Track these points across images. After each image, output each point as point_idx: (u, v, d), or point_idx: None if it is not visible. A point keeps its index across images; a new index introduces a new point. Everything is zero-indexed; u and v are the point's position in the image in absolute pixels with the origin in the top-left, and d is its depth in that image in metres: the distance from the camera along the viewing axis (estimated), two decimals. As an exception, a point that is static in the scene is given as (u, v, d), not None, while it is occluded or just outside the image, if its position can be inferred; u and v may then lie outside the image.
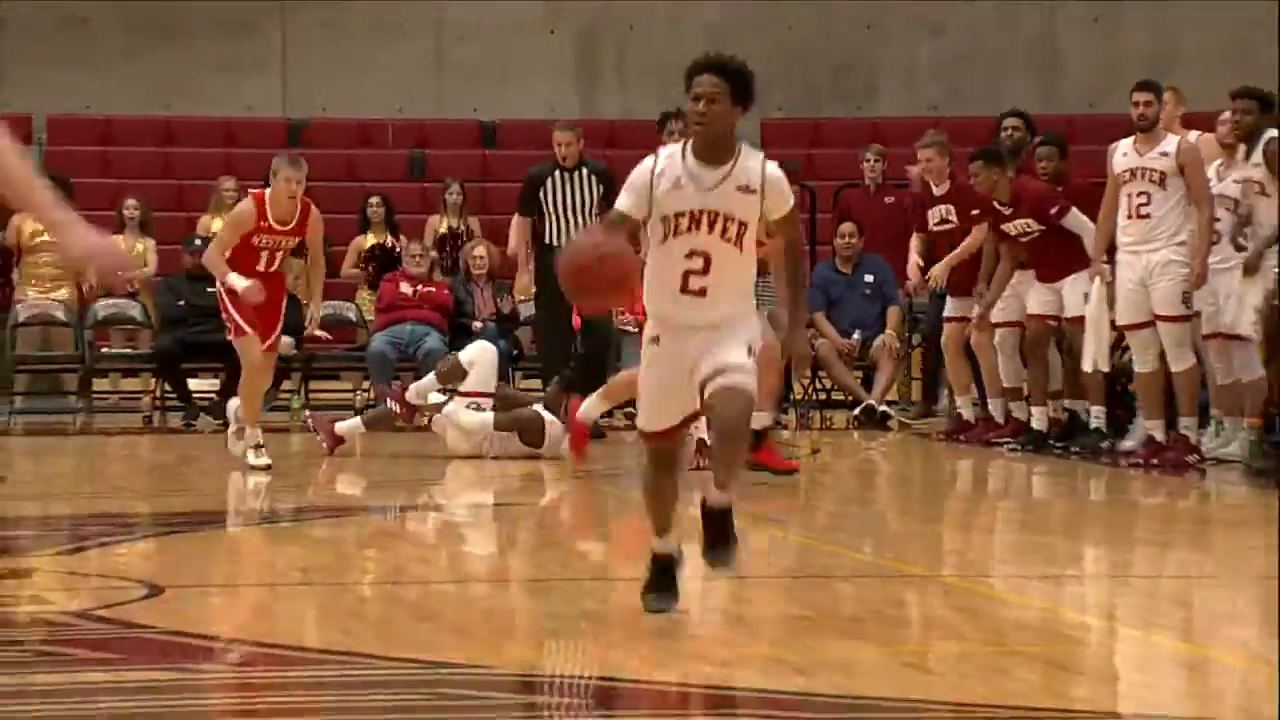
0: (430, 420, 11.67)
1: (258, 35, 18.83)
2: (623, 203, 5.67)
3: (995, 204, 11.96)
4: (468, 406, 11.54)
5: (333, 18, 18.83)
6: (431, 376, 11.82)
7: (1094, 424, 11.66)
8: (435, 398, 11.65)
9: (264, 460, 10.68)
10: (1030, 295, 11.97)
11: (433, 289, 14.66)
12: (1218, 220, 10.77)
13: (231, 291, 10.56)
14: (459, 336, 13.98)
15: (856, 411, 14.09)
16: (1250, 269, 10.48)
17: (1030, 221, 11.82)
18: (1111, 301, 11.06)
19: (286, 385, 14.59)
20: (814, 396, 14.81)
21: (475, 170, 17.68)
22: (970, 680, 5.00)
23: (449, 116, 18.80)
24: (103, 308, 14.87)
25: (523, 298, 14.28)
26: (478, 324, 14.51)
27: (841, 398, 14.65)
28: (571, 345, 13.41)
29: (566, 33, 19.06)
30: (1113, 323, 11.19)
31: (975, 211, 12.19)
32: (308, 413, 13.02)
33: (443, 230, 15.57)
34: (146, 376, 15.11)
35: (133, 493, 10.35)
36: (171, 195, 17.12)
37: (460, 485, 10.72)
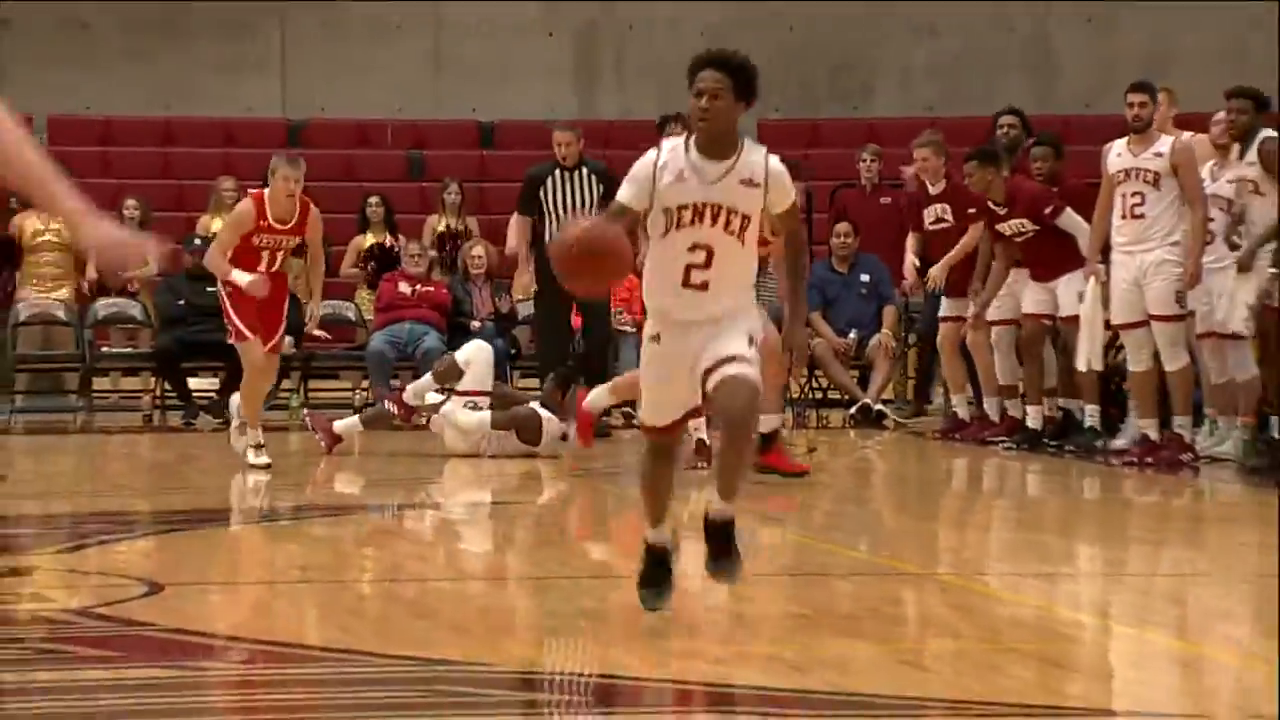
0: (428, 420, 11.67)
1: (257, 36, 18.84)
2: (624, 194, 5.61)
3: (990, 204, 11.96)
4: (465, 406, 11.54)
5: (332, 19, 18.83)
6: (428, 377, 11.83)
7: (1088, 422, 11.67)
8: (433, 397, 11.65)
9: (263, 459, 10.68)
10: (1025, 294, 11.98)
11: (431, 288, 14.66)
12: (1211, 220, 10.79)
13: (233, 295, 10.56)
14: (457, 336, 13.98)
15: (853, 410, 14.10)
16: (1244, 266, 10.49)
17: (1025, 221, 11.83)
18: (1106, 301, 11.07)
19: (286, 384, 14.58)
20: (810, 395, 14.82)
21: (473, 170, 17.69)
22: (965, 677, 5.00)
23: (447, 117, 18.80)
24: (103, 307, 14.87)
25: (523, 296, 14.30)
26: (476, 323, 14.52)
27: (838, 397, 14.66)
28: (570, 344, 13.42)
29: (565, 33, 19.07)
30: (1107, 322, 11.20)
31: (972, 210, 12.20)
32: (305, 412, 13.02)
33: (441, 229, 15.58)
34: (146, 375, 15.12)
35: (133, 491, 10.35)
36: (171, 195, 17.12)
37: (458, 483, 10.72)
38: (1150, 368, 10.91)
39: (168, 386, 14.74)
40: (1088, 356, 11.25)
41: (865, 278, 14.49)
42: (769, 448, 9.65)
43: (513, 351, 14.74)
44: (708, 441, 10.29)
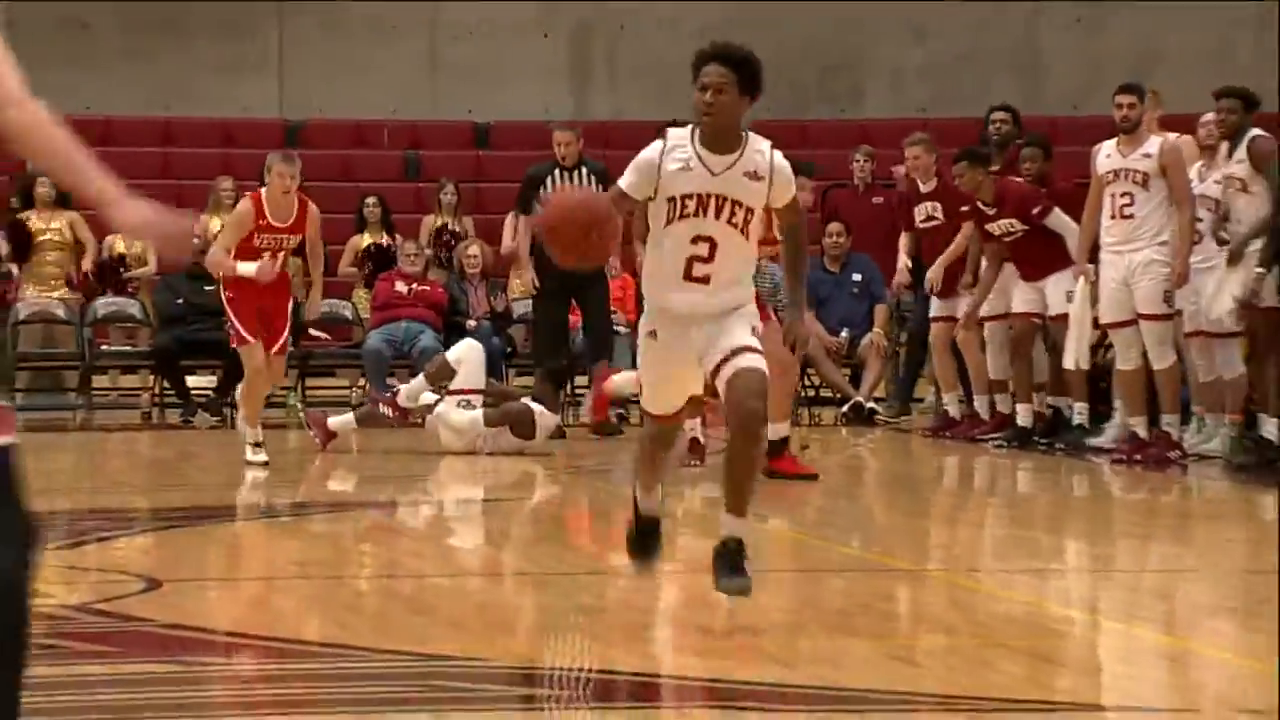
0: (424, 421, 11.66)
1: (256, 37, 18.82)
2: (625, 181, 5.52)
3: (979, 204, 11.97)
4: (458, 405, 11.54)
5: (329, 20, 18.82)
6: (421, 378, 11.83)
7: (1077, 420, 11.68)
8: (427, 398, 11.64)
9: (262, 457, 10.67)
10: (1015, 294, 11.99)
11: (427, 288, 14.66)
12: (1199, 220, 10.81)
13: (233, 299, 10.55)
14: (453, 334, 13.98)
15: (845, 408, 14.12)
16: (1235, 258, 10.49)
17: (1014, 221, 11.84)
18: (1095, 300, 11.08)
19: (284, 382, 14.56)
20: (803, 393, 14.82)
21: (469, 170, 17.68)
22: (956, 672, 5.00)
23: (443, 117, 18.79)
24: (102, 306, 14.86)
25: (525, 294, 14.35)
26: (471, 322, 14.52)
27: (830, 395, 14.66)
28: (566, 343, 13.43)
29: (559, 34, 19.06)
30: (1096, 321, 11.22)
31: (964, 208, 12.21)
32: (299, 403, 13.01)
33: (437, 225, 15.58)
34: (145, 373, 15.11)
35: (131, 488, 10.34)
36: (170, 195, 17.03)
37: (455, 481, 10.72)
38: (1138, 366, 10.92)
39: (166, 384, 14.73)
40: (1075, 355, 11.26)
41: (857, 277, 14.50)
42: (778, 453, 9.70)
43: (508, 350, 14.74)
44: (701, 440, 10.29)
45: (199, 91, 18.40)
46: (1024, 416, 12.04)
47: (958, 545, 8.29)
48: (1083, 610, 6.31)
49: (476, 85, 18.69)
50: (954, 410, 12.84)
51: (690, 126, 5.53)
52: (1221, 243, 10.70)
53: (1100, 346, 11.76)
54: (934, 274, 12.55)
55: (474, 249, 14.99)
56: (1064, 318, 11.44)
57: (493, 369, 13.81)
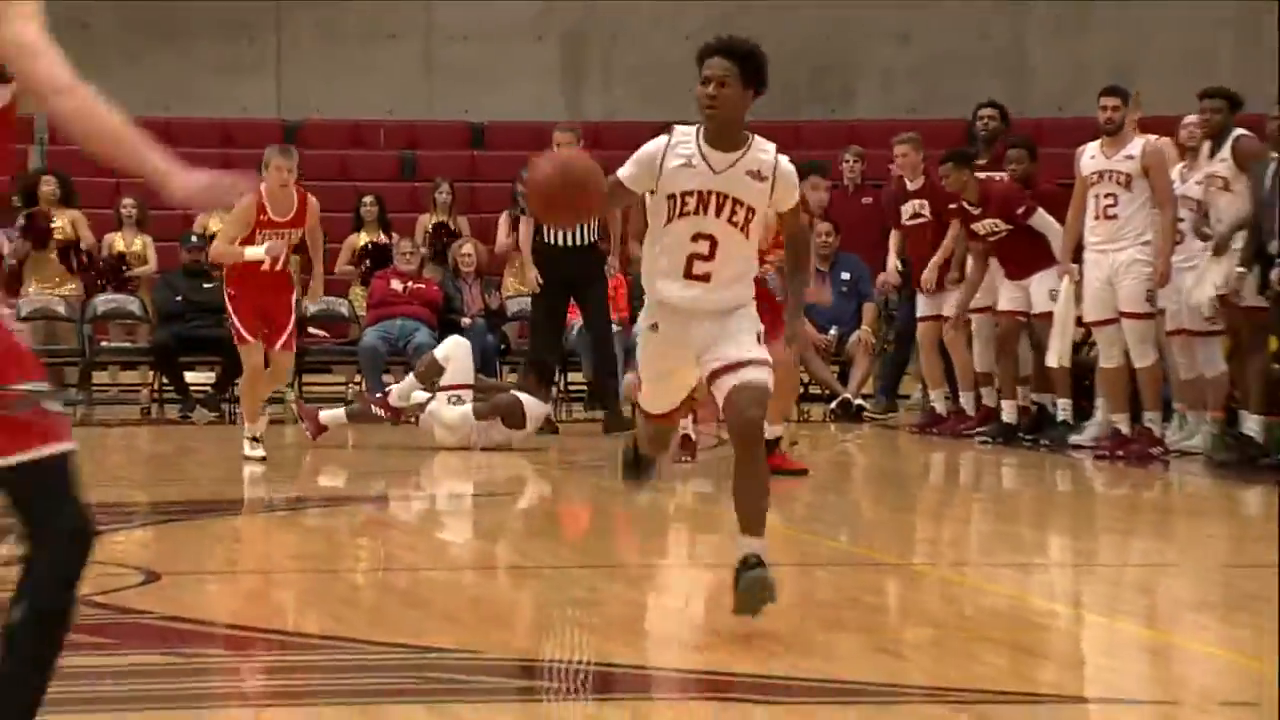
0: (417, 420, 11.65)
1: (254, 38, 18.80)
2: (624, 171, 5.41)
3: (964, 204, 11.99)
4: (449, 401, 11.53)
5: (327, 21, 18.80)
6: (411, 377, 11.83)
7: (1060, 416, 11.70)
8: (418, 396, 11.63)
9: (259, 452, 10.66)
10: (1000, 292, 12.01)
11: (422, 285, 14.66)
12: (1181, 221, 10.83)
13: (234, 297, 10.53)
14: (448, 332, 13.96)
15: (833, 405, 14.13)
16: (1220, 248, 10.49)
17: (998, 221, 11.86)
18: (1080, 299, 11.10)
19: (288, 380, 14.56)
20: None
21: (464, 170, 17.68)
22: (942, 665, 5.01)
23: (439, 118, 18.78)
24: (102, 303, 14.86)
25: (519, 291, 14.38)
26: (466, 319, 14.52)
27: (818, 392, 14.67)
28: (561, 340, 13.43)
29: (553, 37, 19.06)
30: (1079, 319, 11.24)
31: (952, 206, 12.22)
32: (294, 396, 13.00)
33: (433, 224, 15.58)
34: (145, 369, 15.10)
35: (131, 482, 10.33)
36: (170, 193, 17.07)
37: (448, 476, 10.72)
38: (1121, 364, 10.94)
39: (165, 380, 14.73)
40: (1058, 353, 11.29)
41: (845, 276, 14.50)
42: (770, 451, 9.68)
43: (502, 347, 14.74)
44: (693, 436, 10.29)
45: (198, 92, 18.38)
46: (1009, 413, 12.06)
47: (944, 540, 8.30)
48: (1066, 604, 6.32)
49: (472, 86, 18.68)
50: (940, 407, 12.86)
51: (696, 125, 5.42)
52: (1204, 238, 10.71)
53: (1084, 344, 11.79)
54: (928, 275, 12.57)
55: (468, 247, 15.00)
56: (1048, 316, 11.46)
57: (487, 366, 13.83)
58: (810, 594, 6.25)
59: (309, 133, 18.29)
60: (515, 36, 18.81)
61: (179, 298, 14.50)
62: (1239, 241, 10.41)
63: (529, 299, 13.89)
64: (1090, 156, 11.02)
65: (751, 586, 5.14)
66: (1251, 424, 10.47)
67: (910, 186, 12.83)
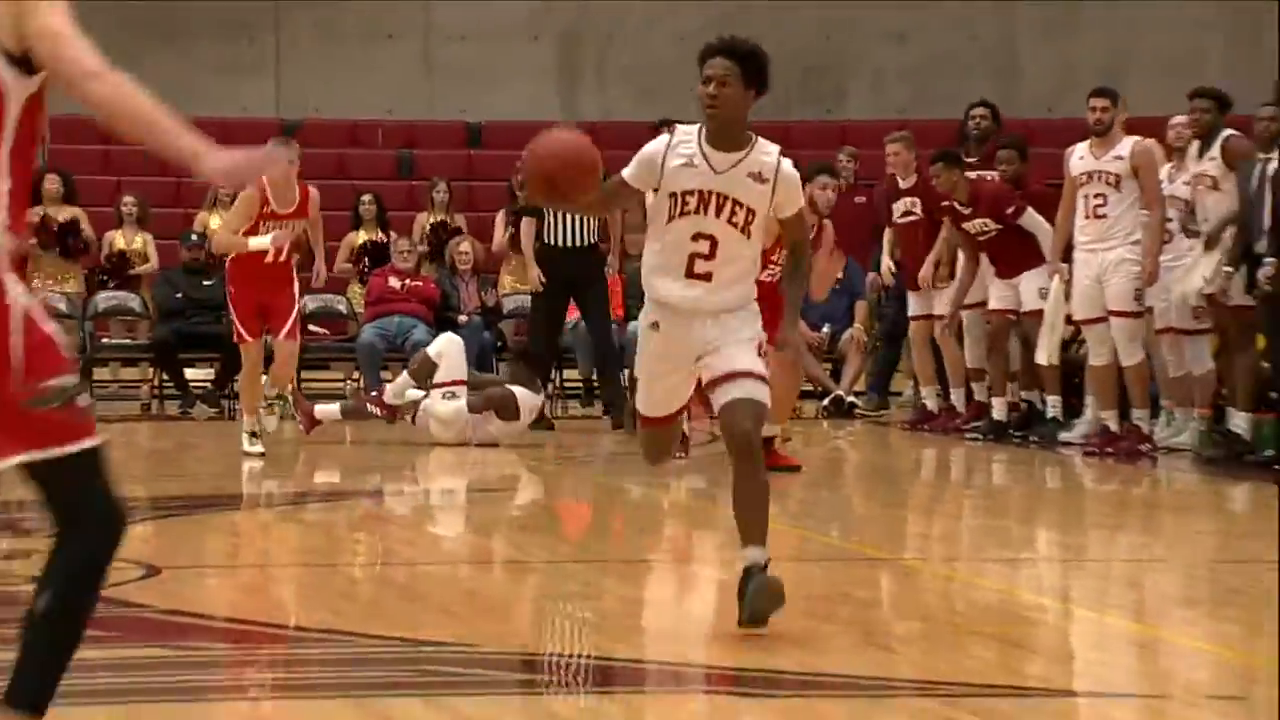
0: (413, 418, 11.65)
1: (254, 39, 18.79)
2: (627, 171, 5.37)
3: (955, 204, 12.00)
4: (443, 397, 11.53)
5: (326, 21, 18.79)
6: (405, 375, 11.83)
7: (1050, 413, 11.71)
8: (413, 394, 11.63)
9: (258, 448, 10.66)
10: (990, 290, 12.03)
11: (420, 283, 14.66)
12: (1169, 220, 10.85)
13: (234, 294, 10.53)
14: (445, 329, 13.96)
15: (825, 402, 14.14)
16: (1211, 242, 10.50)
17: (988, 221, 11.86)
18: (1069, 298, 11.11)
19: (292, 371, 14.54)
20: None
21: (461, 169, 17.67)
22: (931, 658, 5.02)
23: (437, 118, 18.77)
24: (103, 300, 14.85)
25: (515, 289, 14.40)
26: (463, 317, 14.52)
27: (811, 389, 14.67)
28: (559, 337, 13.44)
29: (549, 37, 19.06)
30: (1069, 318, 11.25)
31: (945, 204, 12.22)
32: (291, 388, 12.97)
33: (431, 222, 15.58)
34: (145, 366, 15.09)
35: (131, 477, 10.31)
36: (169, 192, 17.07)
37: (444, 472, 10.71)
38: (1110, 362, 10.96)
39: (165, 376, 14.72)
40: (1047, 351, 11.30)
41: (838, 274, 14.50)
42: (766, 449, 9.67)
43: (499, 344, 14.74)
44: (686, 432, 10.29)
45: (198, 91, 18.33)
46: (999, 410, 12.07)
47: (934, 535, 8.30)
48: (1055, 598, 6.32)
49: (469, 86, 18.68)
50: (932, 404, 12.87)
51: (699, 124, 5.37)
52: (1191, 235, 10.72)
53: (1073, 342, 11.80)
54: (925, 273, 12.58)
55: (465, 245, 15.00)
56: (1037, 314, 11.47)
57: (484, 363, 13.82)
58: (802, 589, 6.25)
59: (308, 132, 18.24)
60: (512, 36, 18.80)
61: (179, 295, 14.50)
62: (1229, 235, 10.42)
63: (525, 297, 13.89)
64: (1079, 157, 11.04)
65: (758, 598, 5.09)
66: (1239, 421, 10.48)
67: (902, 185, 12.84)
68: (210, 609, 5.82)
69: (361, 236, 15.39)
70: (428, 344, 12.71)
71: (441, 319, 14.44)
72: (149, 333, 14.75)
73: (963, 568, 7.02)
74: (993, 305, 12.00)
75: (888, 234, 13.24)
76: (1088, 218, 10.93)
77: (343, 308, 15.22)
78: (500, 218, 14.84)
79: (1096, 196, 10.90)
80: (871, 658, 5.00)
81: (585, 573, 6.68)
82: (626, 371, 12.51)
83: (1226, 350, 10.70)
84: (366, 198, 15.52)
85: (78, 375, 3.29)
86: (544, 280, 12.65)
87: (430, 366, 11.56)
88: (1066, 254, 11.16)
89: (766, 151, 5.36)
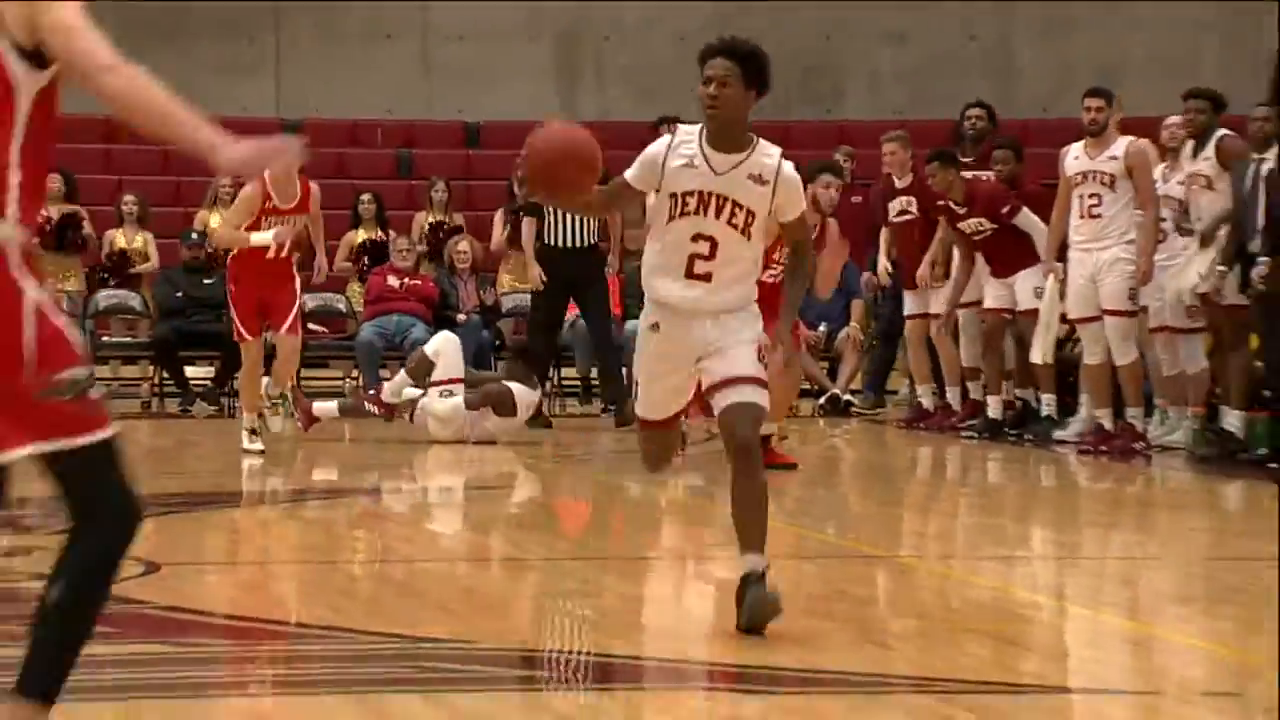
0: (411, 417, 11.65)
1: (254, 39, 18.79)
2: (630, 172, 5.34)
3: (950, 203, 12.01)
4: (440, 395, 11.53)
5: (325, 21, 18.79)
6: (402, 374, 11.83)
7: (1045, 411, 11.72)
8: (410, 393, 11.63)
9: (258, 445, 10.66)
10: (985, 290, 12.04)
11: (419, 282, 14.66)
12: (1163, 220, 10.86)
13: (234, 292, 10.52)
14: (444, 328, 13.96)
15: (822, 400, 14.15)
16: (1206, 239, 10.51)
17: (983, 220, 11.87)
18: (1064, 297, 11.12)
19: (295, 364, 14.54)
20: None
21: (460, 169, 17.67)
22: (927, 655, 5.02)
23: (436, 118, 18.77)
24: (104, 298, 14.86)
25: (514, 288, 14.40)
26: (462, 316, 14.52)
27: (808, 387, 14.67)
28: (557, 336, 13.44)
29: (547, 38, 19.05)
30: (1063, 316, 11.26)
31: (941, 203, 12.23)
32: (290, 385, 12.96)
33: (429, 222, 15.59)
34: (145, 364, 15.09)
35: (131, 475, 10.31)
36: (169, 191, 17.07)
37: (443, 469, 10.72)
38: (1104, 360, 10.97)
39: (165, 375, 14.72)
40: (1041, 350, 11.31)
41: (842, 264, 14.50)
42: (764, 447, 9.68)
43: (497, 343, 14.74)
44: (684, 431, 10.29)
45: (198, 91, 18.04)
46: (994, 408, 12.07)
47: (930, 533, 8.31)
48: (1049, 596, 6.32)
49: (467, 86, 18.68)
50: (927, 402, 12.88)
51: (700, 125, 5.35)
52: (1186, 234, 10.73)
53: (1067, 341, 11.80)
54: (923, 272, 12.59)
55: (463, 245, 15.01)
56: (1032, 313, 11.48)
57: (482, 362, 13.82)
58: (799, 586, 6.25)
59: (307, 132, 18.20)
60: (510, 38, 18.80)
61: (179, 293, 14.50)
62: (1223, 233, 10.42)
63: (523, 296, 13.89)
64: (1074, 157, 11.04)
65: (754, 609, 5.06)
66: (1232, 419, 10.49)
67: (898, 184, 12.85)
68: (210, 606, 5.82)
69: (361, 235, 15.39)
70: (426, 343, 12.73)
71: (440, 318, 14.44)
72: (149, 331, 14.76)
73: (958, 565, 7.02)
74: (988, 304, 12.01)
75: (884, 233, 13.27)
76: (1082, 217, 10.94)
77: (342, 306, 15.22)
78: (499, 217, 14.85)
79: (1091, 196, 10.90)
80: (868, 655, 5.00)
81: (584, 570, 6.68)
82: (626, 370, 12.50)
83: (1220, 349, 10.71)
84: (366, 197, 15.53)
85: (90, 368, 3.30)
86: (544, 279, 12.66)
87: (428, 365, 11.56)
88: (1061, 253, 11.17)
89: (768, 154, 5.33)
